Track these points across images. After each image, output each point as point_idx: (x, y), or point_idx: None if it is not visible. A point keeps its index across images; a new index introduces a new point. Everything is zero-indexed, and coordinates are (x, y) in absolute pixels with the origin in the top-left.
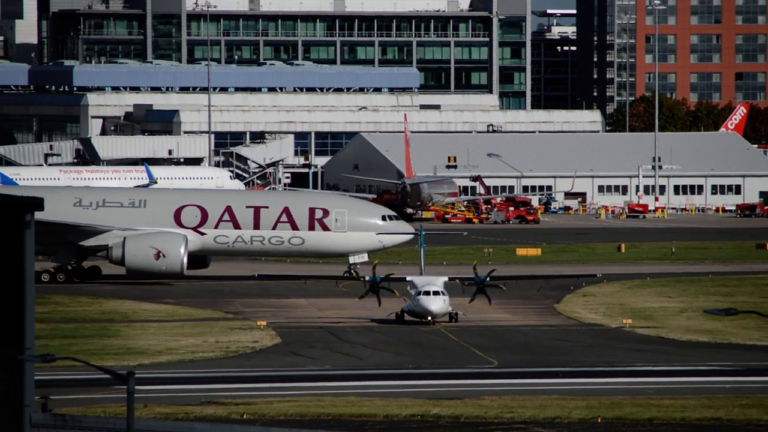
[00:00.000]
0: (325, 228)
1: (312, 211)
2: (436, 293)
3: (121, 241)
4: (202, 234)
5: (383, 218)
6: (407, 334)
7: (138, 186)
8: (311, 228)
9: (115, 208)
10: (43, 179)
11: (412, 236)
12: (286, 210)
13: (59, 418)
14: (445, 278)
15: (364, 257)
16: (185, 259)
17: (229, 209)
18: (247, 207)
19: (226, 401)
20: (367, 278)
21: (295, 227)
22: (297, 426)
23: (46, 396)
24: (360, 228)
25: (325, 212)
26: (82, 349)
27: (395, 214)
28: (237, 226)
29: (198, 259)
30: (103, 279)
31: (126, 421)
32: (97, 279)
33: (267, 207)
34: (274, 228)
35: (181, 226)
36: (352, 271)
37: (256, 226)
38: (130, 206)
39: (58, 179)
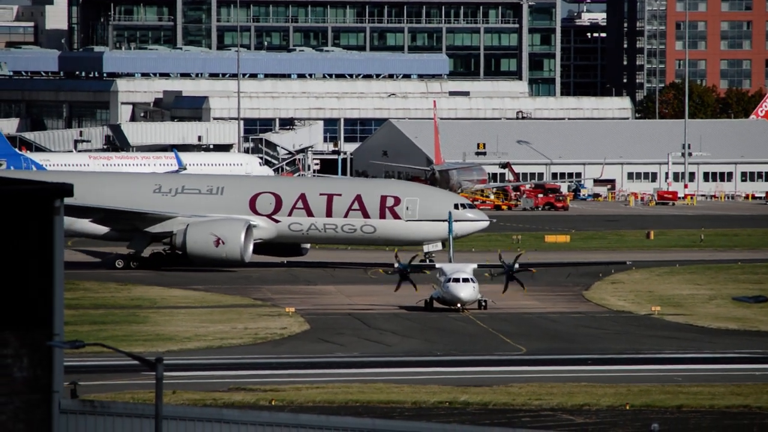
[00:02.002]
0: (396, 216)
1: (383, 198)
2: (465, 280)
3: (184, 228)
4: (277, 221)
5: (456, 206)
6: (435, 321)
7: (167, 172)
8: (382, 216)
9: (194, 195)
10: (73, 165)
11: (486, 224)
12: (358, 198)
13: (88, 404)
14: (475, 265)
15: (438, 246)
16: (250, 246)
17: (303, 197)
18: (320, 194)
19: (255, 388)
20: (396, 265)
21: (366, 215)
22: (325, 413)
23: (75, 382)
24: (432, 216)
25: (397, 200)
26: (111, 335)
27: (470, 202)
28: (310, 214)
29: (291, 247)
30: (191, 267)
31: (154, 407)
32: (186, 266)
33: (340, 195)
34: (345, 216)
35: (256, 213)
36: (427, 260)
37: (329, 214)
38: (207, 193)
39: (88, 165)
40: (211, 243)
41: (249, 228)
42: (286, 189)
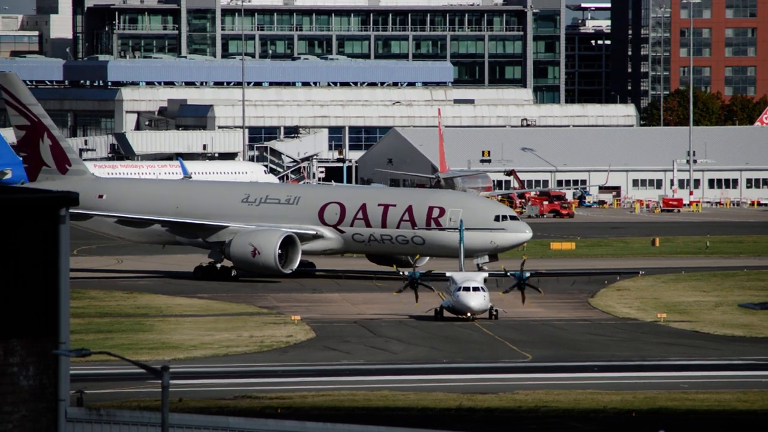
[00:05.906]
0: (440, 226)
1: (430, 209)
2: (476, 289)
3: (231, 238)
4: (342, 232)
5: (496, 218)
6: (442, 329)
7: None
8: (427, 226)
9: (274, 205)
10: None
11: (530, 236)
12: (409, 208)
13: (94, 413)
14: (485, 274)
15: (485, 258)
16: (295, 257)
17: (363, 207)
18: (378, 205)
19: (261, 395)
20: (407, 273)
21: (414, 225)
22: (331, 420)
23: (81, 390)
24: (476, 227)
25: (442, 211)
26: (117, 343)
27: (513, 213)
28: (368, 224)
29: (385, 258)
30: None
31: (160, 415)
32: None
33: (395, 205)
34: (398, 226)
35: (324, 223)
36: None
37: (383, 225)
38: (286, 203)
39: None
40: (248, 253)
41: (290, 239)
42: (349, 199)
